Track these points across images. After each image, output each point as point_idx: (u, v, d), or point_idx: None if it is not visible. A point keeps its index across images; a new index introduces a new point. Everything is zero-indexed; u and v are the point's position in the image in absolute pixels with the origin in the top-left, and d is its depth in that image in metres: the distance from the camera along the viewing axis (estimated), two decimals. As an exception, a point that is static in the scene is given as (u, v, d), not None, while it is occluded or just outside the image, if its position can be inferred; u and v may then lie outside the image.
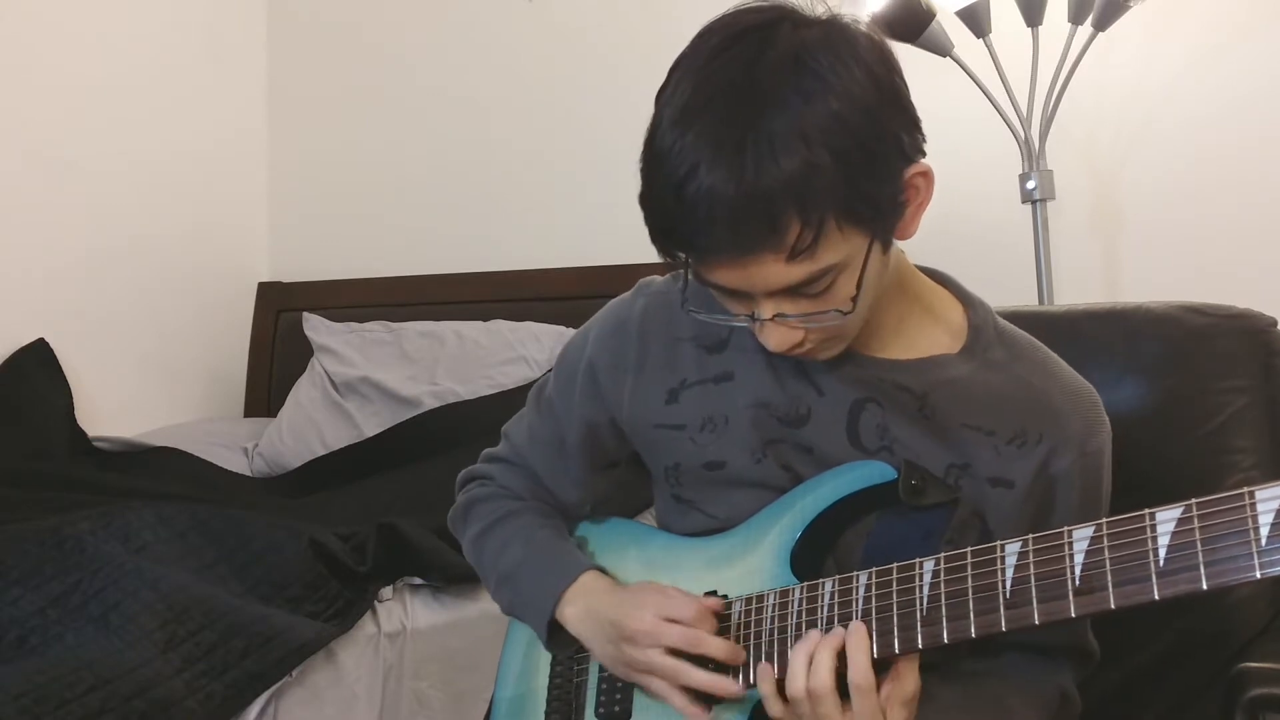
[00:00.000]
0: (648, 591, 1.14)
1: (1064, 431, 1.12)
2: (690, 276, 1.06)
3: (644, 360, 1.21)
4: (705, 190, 0.95)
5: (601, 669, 1.20)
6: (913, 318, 1.15)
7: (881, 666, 1.01)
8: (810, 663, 1.01)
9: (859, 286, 1.02)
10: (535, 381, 1.38)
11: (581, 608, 1.19)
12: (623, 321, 1.23)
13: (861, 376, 1.13)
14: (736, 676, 1.09)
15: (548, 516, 1.31)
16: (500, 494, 1.34)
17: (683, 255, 1.02)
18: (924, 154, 1.03)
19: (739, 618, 1.12)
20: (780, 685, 1.04)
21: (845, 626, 1.02)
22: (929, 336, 1.16)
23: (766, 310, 1.02)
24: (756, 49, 0.97)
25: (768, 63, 0.96)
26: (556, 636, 1.22)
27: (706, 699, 1.09)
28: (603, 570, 1.23)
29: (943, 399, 1.12)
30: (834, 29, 1.00)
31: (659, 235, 1.02)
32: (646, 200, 1.01)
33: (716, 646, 1.08)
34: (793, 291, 1.00)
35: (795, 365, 1.15)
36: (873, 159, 0.97)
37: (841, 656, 1.01)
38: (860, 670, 0.99)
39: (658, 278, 1.25)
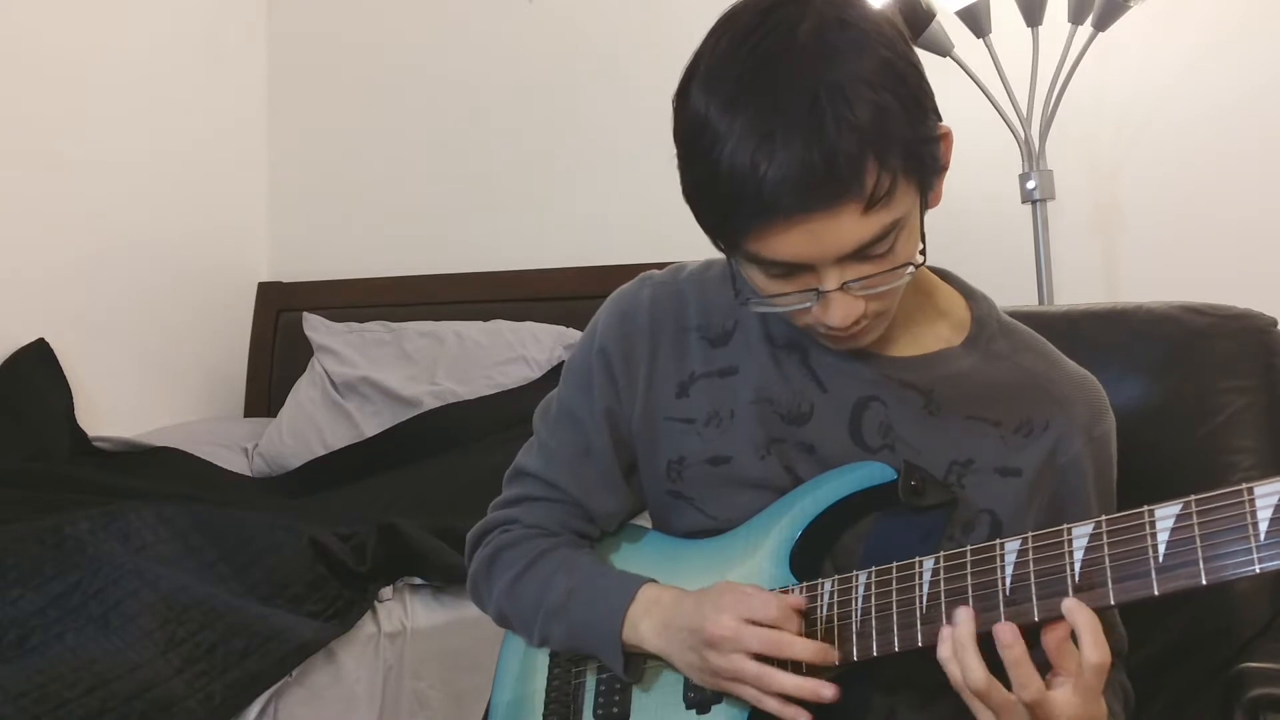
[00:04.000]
0: (725, 593, 1.07)
1: (1070, 417, 1.12)
2: (735, 268, 1.05)
3: (656, 350, 1.20)
4: (782, 157, 0.94)
5: (600, 670, 1.20)
6: (920, 314, 1.16)
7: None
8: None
9: (923, 238, 1.03)
10: (533, 382, 1.36)
11: (657, 622, 1.13)
12: (631, 311, 1.22)
13: (867, 374, 1.14)
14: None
15: (580, 548, 1.25)
16: (529, 534, 1.26)
17: (737, 242, 1.01)
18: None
19: None
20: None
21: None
22: (934, 332, 1.16)
23: (832, 279, 1.01)
24: (795, 17, 0.98)
25: (811, 26, 0.97)
26: (632, 660, 1.16)
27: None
28: (655, 581, 1.18)
29: (948, 393, 1.13)
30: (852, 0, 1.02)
31: (720, 220, 1.01)
32: (705, 187, 1.00)
33: (804, 649, 1.03)
34: (859, 255, 1.00)
35: (800, 360, 1.15)
36: (921, 105, 1.00)
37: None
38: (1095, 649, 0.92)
39: (657, 271, 1.25)
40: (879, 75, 0.96)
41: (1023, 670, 0.92)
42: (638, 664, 1.16)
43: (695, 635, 1.07)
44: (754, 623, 1.04)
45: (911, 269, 1.02)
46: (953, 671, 0.96)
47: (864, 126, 0.94)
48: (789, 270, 1.02)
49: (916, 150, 0.99)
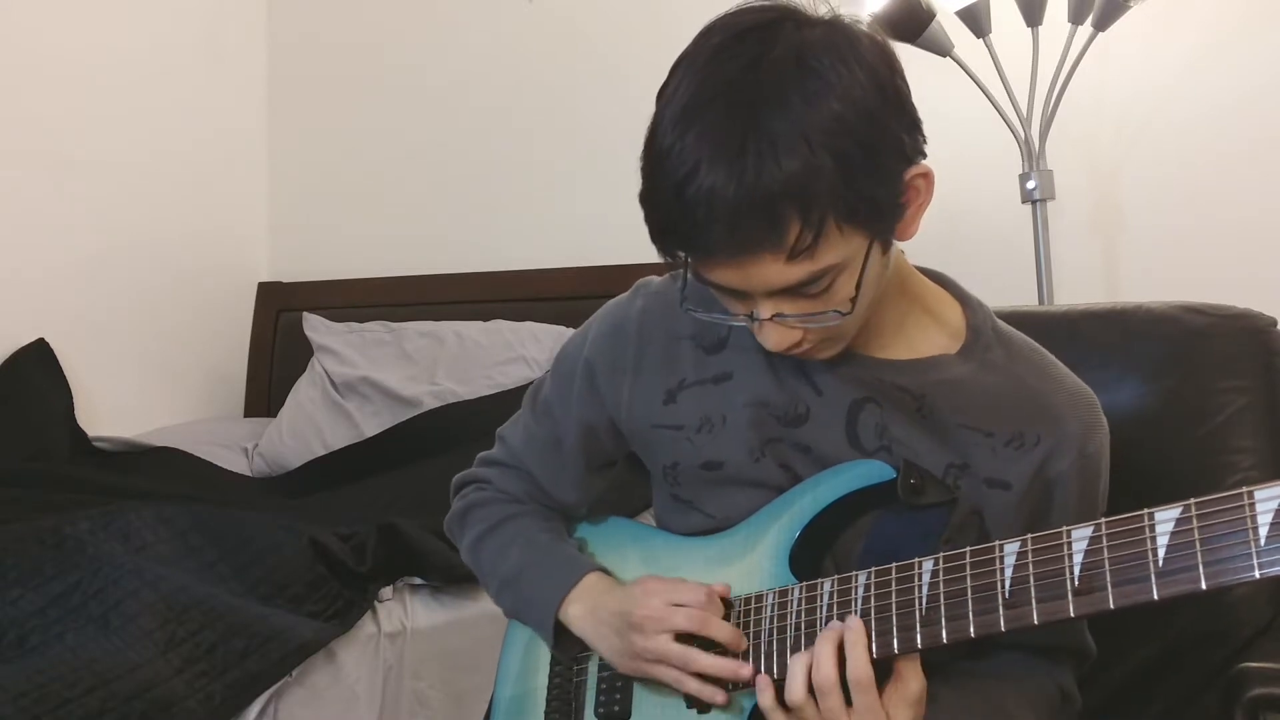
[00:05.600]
0: (654, 580, 1.15)
1: (1062, 433, 1.12)
2: (690, 275, 1.06)
3: (642, 361, 1.21)
4: (705, 190, 0.95)
5: (601, 668, 1.20)
6: (912, 318, 1.15)
7: (883, 668, 1.01)
8: (810, 662, 1.01)
9: (858, 287, 1.02)
10: (533, 383, 1.37)
11: (586, 606, 1.19)
12: (621, 322, 1.23)
13: (860, 377, 1.13)
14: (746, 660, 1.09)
15: (547, 519, 1.31)
16: (498, 498, 1.34)
17: (682, 254, 1.02)
18: (925, 155, 1.03)
19: (738, 618, 1.12)
20: (780, 694, 1.04)
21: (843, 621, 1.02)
22: (928, 337, 1.15)
23: (765, 310, 1.02)
24: (758, 49, 0.97)
25: (770, 63, 0.96)
26: (562, 638, 1.22)
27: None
28: (605, 571, 1.24)
29: (941, 399, 1.12)
30: (836, 29, 1.00)
31: (659, 234, 1.02)
32: (647, 199, 1.01)
33: (720, 629, 1.09)
34: (792, 292, 1.00)
35: (794, 365, 1.15)
36: (873, 160, 0.97)
37: (842, 654, 1.01)
38: (858, 666, 0.99)
39: (656, 278, 1.25)
40: (822, 132, 0.94)
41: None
42: (569, 644, 1.22)
43: (622, 618, 1.13)
44: (680, 606, 1.10)
45: (844, 314, 1.02)
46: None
47: (788, 180, 0.93)
48: (729, 291, 1.03)
49: (859, 203, 0.97)
